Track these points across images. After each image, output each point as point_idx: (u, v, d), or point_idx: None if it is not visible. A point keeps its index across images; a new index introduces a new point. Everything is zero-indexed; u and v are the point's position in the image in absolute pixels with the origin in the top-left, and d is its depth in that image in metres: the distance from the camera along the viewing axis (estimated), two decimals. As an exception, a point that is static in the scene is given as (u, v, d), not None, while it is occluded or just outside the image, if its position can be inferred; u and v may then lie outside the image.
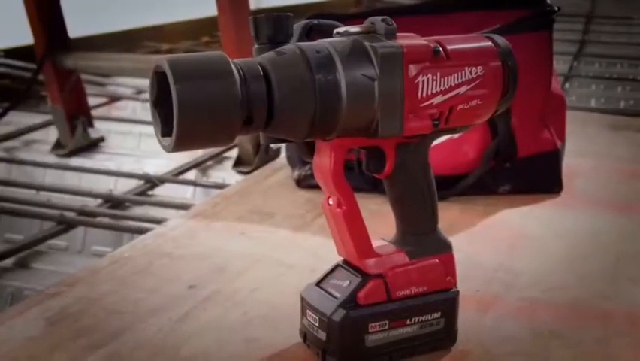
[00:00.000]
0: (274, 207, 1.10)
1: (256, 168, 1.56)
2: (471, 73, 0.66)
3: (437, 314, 0.69)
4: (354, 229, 0.66)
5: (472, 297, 0.82)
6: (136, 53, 2.87)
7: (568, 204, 1.11)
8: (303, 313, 0.69)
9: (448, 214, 1.08)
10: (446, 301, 0.69)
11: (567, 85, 2.58)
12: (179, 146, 0.57)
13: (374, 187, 0.98)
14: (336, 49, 0.61)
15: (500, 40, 0.68)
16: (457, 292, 0.70)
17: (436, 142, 1.13)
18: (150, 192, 1.71)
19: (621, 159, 1.33)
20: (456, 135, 1.14)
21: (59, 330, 0.74)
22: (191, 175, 1.79)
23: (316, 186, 1.12)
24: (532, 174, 1.15)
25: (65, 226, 1.51)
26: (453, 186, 1.13)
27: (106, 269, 0.89)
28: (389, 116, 0.62)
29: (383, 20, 0.63)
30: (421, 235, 0.69)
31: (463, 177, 1.13)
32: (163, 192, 1.73)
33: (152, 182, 1.73)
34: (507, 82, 0.68)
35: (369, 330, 0.66)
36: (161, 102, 0.58)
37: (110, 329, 0.74)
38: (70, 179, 1.83)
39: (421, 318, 0.68)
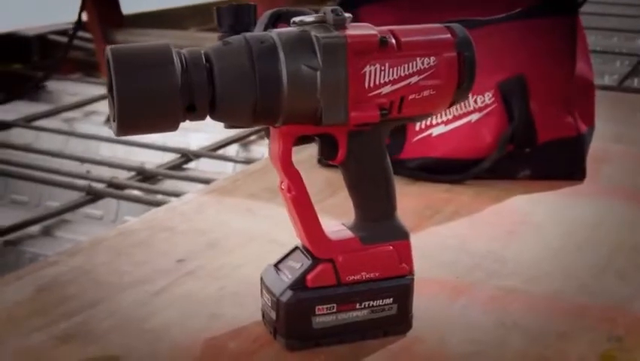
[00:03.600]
0: (290, 185, 1.12)
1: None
2: (423, 63, 0.66)
3: (389, 300, 0.69)
4: (302, 214, 0.68)
5: (448, 283, 0.82)
6: (209, 27, 2.92)
7: (585, 192, 1.09)
8: (261, 293, 0.72)
9: (460, 198, 1.08)
10: (399, 288, 0.70)
11: (641, 66, 2.49)
12: (122, 130, 0.60)
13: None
14: (281, 39, 0.62)
15: (460, 30, 0.68)
16: (412, 279, 0.70)
17: (453, 125, 1.16)
18: (185, 166, 1.76)
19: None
20: (474, 119, 1.14)
21: (44, 297, 0.79)
22: (232, 150, 1.83)
23: (336, 166, 1.14)
24: (554, 160, 1.13)
25: (93, 196, 1.58)
26: (470, 169, 1.12)
27: (109, 241, 0.94)
28: (333, 106, 0.63)
29: (333, 11, 0.64)
30: (376, 222, 0.70)
31: (482, 161, 1.12)
32: (204, 167, 1.77)
33: (187, 156, 1.77)
34: (463, 73, 0.67)
35: (317, 312, 0.67)
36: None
37: (89, 299, 0.78)
38: (116, 151, 1.90)
39: (371, 303, 0.69)
